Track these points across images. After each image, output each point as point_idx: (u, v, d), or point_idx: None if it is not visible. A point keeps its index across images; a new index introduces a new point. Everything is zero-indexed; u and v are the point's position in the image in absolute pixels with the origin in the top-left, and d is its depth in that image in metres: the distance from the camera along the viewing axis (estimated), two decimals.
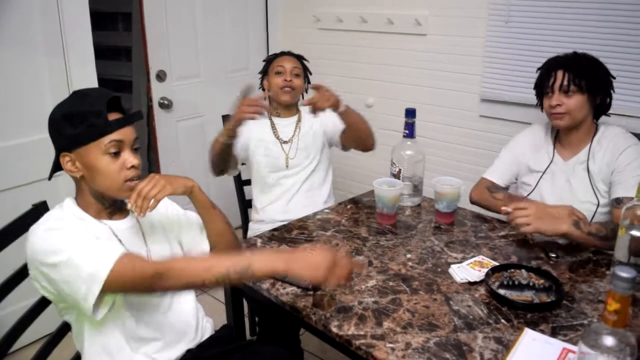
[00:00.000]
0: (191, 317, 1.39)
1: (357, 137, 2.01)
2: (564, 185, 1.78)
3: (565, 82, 1.67)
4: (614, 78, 1.72)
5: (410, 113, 1.81)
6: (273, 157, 2.08)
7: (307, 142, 2.11)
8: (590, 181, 1.73)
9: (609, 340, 0.82)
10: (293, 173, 2.09)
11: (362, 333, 1.18)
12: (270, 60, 2.16)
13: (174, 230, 1.41)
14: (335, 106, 1.84)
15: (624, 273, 0.78)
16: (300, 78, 2.10)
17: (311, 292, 1.34)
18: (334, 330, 1.20)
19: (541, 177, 1.82)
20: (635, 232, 1.36)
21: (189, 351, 1.36)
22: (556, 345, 1.11)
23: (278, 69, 2.08)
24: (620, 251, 1.39)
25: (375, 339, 1.16)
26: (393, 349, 1.12)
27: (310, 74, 2.17)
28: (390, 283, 1.38)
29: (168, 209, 1.42)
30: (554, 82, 1.69)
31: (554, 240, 1.59)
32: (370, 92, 3.01)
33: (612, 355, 0.82)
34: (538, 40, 2.32)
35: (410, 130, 1.83)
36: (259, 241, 1.63)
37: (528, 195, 1.85)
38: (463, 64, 2.60)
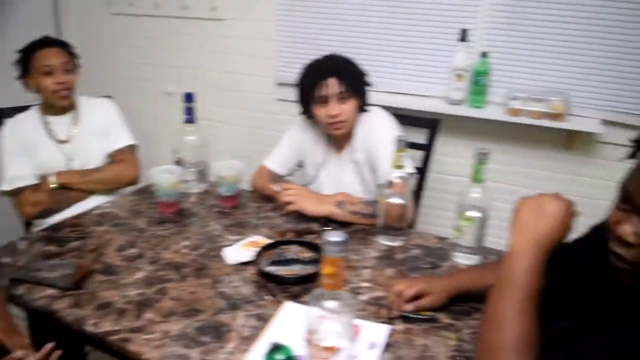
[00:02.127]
0: None
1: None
2: (338, 178, 1.85)
3: (341, 90, 1.67)
4: (367, 74, 1.78)
5: (188, 97, 1.77)
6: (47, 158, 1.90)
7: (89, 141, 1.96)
8: (357, 173, 1.81)
9: (330, 304, 0.85)
10: None
11: (118, 328, 1.11)
12: (28, 52, 1.86)
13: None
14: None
15: (334, 237, 0.81)
16: (72, 73, 1.90)
17: (71, 293, 1.23)
18: (89, 329, 1.12)
19: (319, 169, 1.88)
20: (391, 200, 1.48)
21: None
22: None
23: (45, 69, 1.83)
24: (380, 219, 1.50)
25: (132, 332, 1.10)
26: (149, 340, 1.08)
27: (77, 57, 1.98)
28: (160, 273, 1.33)
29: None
30: (329, 91, 1.67)
31: None
32: (171, 80, 2.91)
33: (336, 316, 0.86)
34: (329, 23, 2.41)
35: (190, 115, 1.78)
36: (23, 244, 1.47)
37: (308, 185, 1.91)
38: (258, 48, 2.61)
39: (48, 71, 1.83)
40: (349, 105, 1.70)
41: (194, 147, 1.80)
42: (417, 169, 2.01)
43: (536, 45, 2.14)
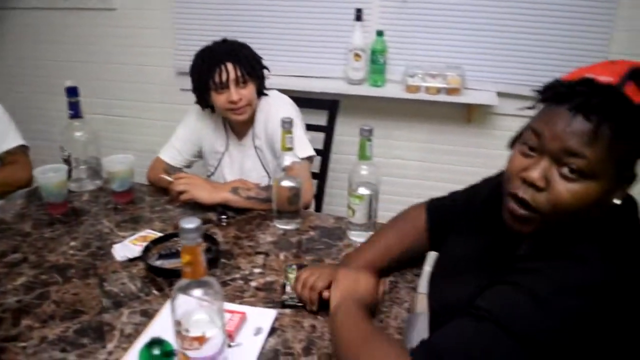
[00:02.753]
0: None
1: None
2: (241, 166, 1.83)
3: (239, 74, 1.64)
4: (262, 58, 1.76)
5: (72, 91, 1.69)
6: None
7: None
8: (260, 159, 1.80)
9: (196, 292, 0.84)
10: None
11: None
12: None
13: None
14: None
15: (188, 224, 0.79)
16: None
17: None
18: None
19: (221, 158, 1.85)
20: (282, 183, 1.47)
21: None
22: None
23: None
24: (275, 202, 1.50)
25: (6, 342, 1.04)
26: (24, 348, 1.03)
27: None
28: (43, 276, 1.27)
29: None
30: (228, 77, 1.64)
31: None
32: (68, 75, 2.76)
33: (204, 302, 0.84)
34: (227, 9, 2.37)
35: (75, 110, 1.70)
36: None
37: (210, 176, 1.88)
38: (155, 37, 2.53)
39: None
40: (249, 90, 1.68)
41: (83, 143, 1.72)
42: (319, 151, 2.02)
43: (431, 21, 2.19)
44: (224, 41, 1.72)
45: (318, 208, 2.06)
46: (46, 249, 1.40)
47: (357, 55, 2.17)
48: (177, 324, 0.84)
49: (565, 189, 0.79)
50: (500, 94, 2.17)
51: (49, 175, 1.56)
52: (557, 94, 0.81)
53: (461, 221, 1.12)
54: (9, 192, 1.84)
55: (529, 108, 0.87)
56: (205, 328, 0.84)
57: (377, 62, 2.17)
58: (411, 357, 0.81)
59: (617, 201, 0.82)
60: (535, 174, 0.81)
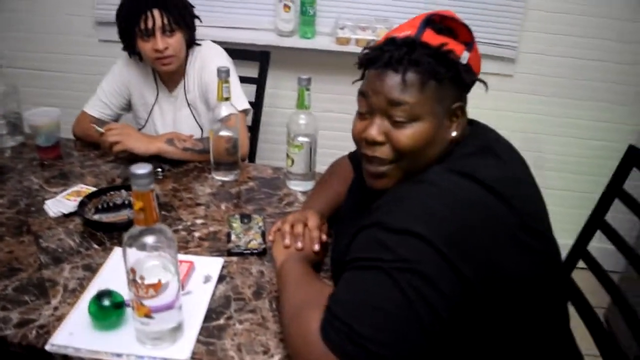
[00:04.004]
0: None
1: None
2: (173, 119, 1.79)
3: (166, 22, 1.56)
4: (194, 7, 1.71)
5: None
6: None
7: None
8: (192, 113, 1.76)
9: (149, 239, 0.84)
10: None
11: None
12: None
13: None
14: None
15: (139, 169, 0.78)
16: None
17: None
18: None
19: (151, 110, 1.79)
20: (222, 134, 1.46)
21: None
22: None
23: None
24: (212, 154, 1.49)
25: None
26: None
27: None
28: None
29: None
30: (153, 24, 1.56)
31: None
32: None
33: (157, 250, 0.84)
34: None
35: None
36: None
37: (141, 129, 1.82)
38: None
39: None
40: (176, 39, 1.61)
41: (1, 96, 1.61)
42: (251, 103, 2.01)
43: None
44: None
45: (252, 160, 2.06)
46: None
47: (286, 6, 2.15)
48: (131, 272, 0.84)
49: (401, 134, 0.88)
50: None
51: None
52: (368, 59, 0.91)
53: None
54: None
55: (359, 80, 0.97)
56: (160, 275, 0.85)
57: (306, 13, 2.16)
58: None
59: (454, 134, 0.92)
60: (373, 132, 0.90)
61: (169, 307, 0.87)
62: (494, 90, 2.23)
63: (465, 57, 0.90)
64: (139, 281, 0.83)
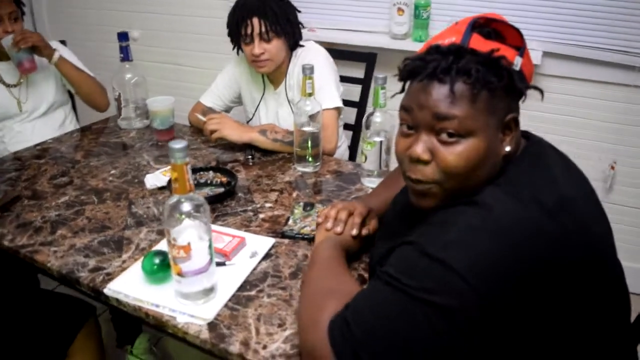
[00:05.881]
0: None
1: (81, 93, 2.03)
2: (275, 114, 1.92)
3: (264, 29, 1.70)
4: (300, 12, 1.82)
5: (123, 37, 1.83)
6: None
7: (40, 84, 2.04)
8: (292, 109, 1.86)
9: (184, 206, 0.95)
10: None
11: (31, 242, 1.23)
12: None
13: None
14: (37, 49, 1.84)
15: (176, 144, 0.90)
16: (19, 22, 1.93)
17: None
18: (5, 244, 1.24)
19: (258, 105, 1.95)
20: (303, 128, 1.55)
21: None
22: None
23: None
24: (295, 145, 1.59)
25: (42, 246, 1.22)
26: (55, 252, 1.20)
27: (24, 5, 2.03)
28: (82, 197, 1.44)
29: None
30: (252, 31, 1.70)
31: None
32: (130, 24, 2.95)
33: (192, 218, 0.96)
34: None
35: (125, 54, 1.85)
36: None
37: (249, 121, 1.99)
38: None
39: None
40: (273, 45, 1.74)
41: (132, 85, 1.88)
42: (355, 102, 2.08)
43: None
44: None
45: (352, 158, 2.13)
46: (90, 175, 1.58)
47: (400, 9, 2.18)
48: (167, 232, 0.96)
49: (449, 153, 0.81)
50: (546, 54, 2.11)
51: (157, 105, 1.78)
52: (410, 70, 0.84)
53: None
54: (90, 97, 2.06)
55: (399, 93, 0.91)
56: (190, 239, 0.95)
57: (420, 16, 2.17)
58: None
59: (508, 148, 0.84)
60: (418, 150, 0.83)
61: (198, 270, 0.98)
62: (621, 102, 2.08)
63: (518, 62, 0.82)
64: (172, 242, 0.95)
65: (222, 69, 2.00)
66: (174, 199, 0.95)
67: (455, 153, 0.81)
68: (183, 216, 0.95)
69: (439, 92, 0.80)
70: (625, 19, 1.99)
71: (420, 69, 0.82)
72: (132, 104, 1.91)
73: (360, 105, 2.11)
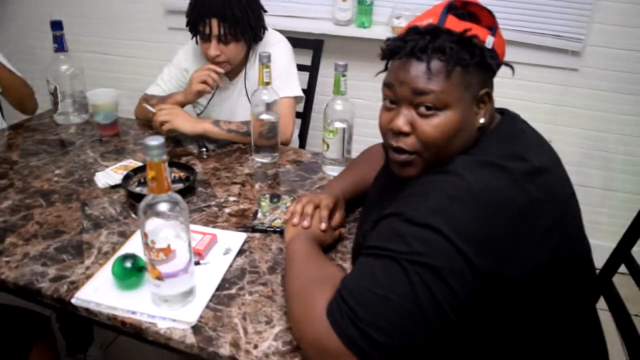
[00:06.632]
0: None
1: (7, 96, 1.80)
2: (231, 106, 1.85)
3: (222, 32, 1.62)
4: (266, 11, 1.75)
5: (57, 25, 1.70)
6: None
7: None
8: (250, 100, 1.81)
9: (161, 207, 0.89)
10: None
11: None
12: None
13: None
14: None
15: (152, 141, 0.84)
16: None
17: None
18: None
19: (211, 97, 1.86)
20: (261, 117, 1.51)
21: None
22: None
23: None
24: (252, 136, 1.55)
25: None
26: (8, 262, 1.10)
27: None
28: (28, 200, 1.33)
29: None
30: (210, 32, 1.63)
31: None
32: (57, 9, 2.75)
33: (170, 218, 0.90)
34: None
35: (60, 44, 1.72)
36: None
37: (199, 114, 1.90)
38: None
39: None
40: (230, 48, 1.67)
41: (69, 77, 1.75)
42: (303, 90, 2.05)
43: None
44: None
45: (302, 146, 2.11)
46: (32, 176, 1.46)
47: None
48: (144, 235, 0.90)
49: (427, 125, 0.87)
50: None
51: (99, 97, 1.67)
52: (391, 49, 0.90)
53: None
54: (17, 101, 1.84)
55: (382, 72, 0.96)
56: (170, 241, 0.90)
57: (363, 2, 2.17)
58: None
59: (481, 120, 0.89)
60: (399, 122, 0.89)
61: (178, 272, 0.93)
62: (558, 84, 2.19)
63: (489, 41, 0.88)
64: (151, 244, 0.90)
65: (160, 58, 1.90)
66: (149, 198, 0.89)
67: (433, 125, 0.87)
68: (160, 216, 0.90)
69: (417, 69, 0.86)
70: (560, 5, 2.08)
71: (399, 48, 0.88)
72: (69, 97, 1.78)
73: (308, 93, 2.08)
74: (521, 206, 0.78)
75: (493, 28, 0.91)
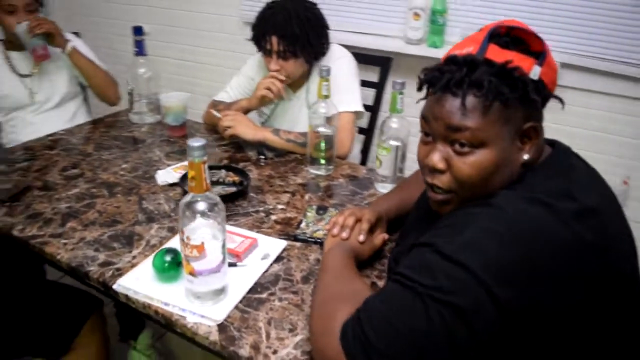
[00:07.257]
0: None
1: (92, 85, 2.01)
2: (292, 118, 1.90)
3: (281, 49, 1.68)
4: (329, 29, 1.78)
5: (138, 31, 1.82)
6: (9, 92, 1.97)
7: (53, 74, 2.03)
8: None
9: (199, 205, 0.94)
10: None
11: (41, 234, 1.22)
12: None
13: None
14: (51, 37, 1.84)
15: (195, 142, 0.89)
16: (36, 12, 1.90)
17: (7, 205, 1.34)
18: (15, 234, 1.23)
19: (275, 107, 1.92)
20: (318, 129, 1.54)
21: None
22: None
23: (8, 8, 1.83)
24: (308, 147, 1.58)
25: (52, 237, 1.21)
26: (65, 244, 1.18)
27: None
28: (93, 190, 1.43)
29: None
30: (270, 48, 1.69)
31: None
32: (139, 18, 2.93)
33: (207, 217, 0.94)
34: None
35: (140, 48, 1.84)
36: None
37: (263, 123, 1.97)
38: None
39: (11, 10, 1.85)
40: (290, 64, 1.72)
41: (146, 79, 1.87)
42: (369, 107, 2.06)
43: None
44: (276, 7, 1.71)
45: (363, 162, 2.12)
46: (101, 168, 1.57)
47: (416, 14, 2.16)
48: (181, 232, 0.95)
49: (463, 163, 0.83)
50: (564, 65, 2.09)
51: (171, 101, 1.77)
52: (427, 81, 0.86)
53: None
54: (101, 90, 2.05)
55: (423, 99, 0.91)
56: (204, 239, 0.94)
57: (436, 22, 2.15)
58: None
59: (526, 157, 0.84)
60: (434, 159, 0.86)
61: (210, 270, 0.97)
62: (618, 113, 2.05)
63: (535, 72, 0.82)
64: (186, 240, 0.94)
65: (235, 67, 1.98)
66: (189, 197, 0.94)
67: (468, 163, 0.83)
68: (198, 215, 0.94)
69: (452, 105, 0.81)
70: (625, 27, 1.97)
71: (436, 80, 0.84)
72: (145, 98, 1.90)
73: (373, 110, 2.09)
74: (565, 243, 0.74)
75: (542, 54, 0.84)
